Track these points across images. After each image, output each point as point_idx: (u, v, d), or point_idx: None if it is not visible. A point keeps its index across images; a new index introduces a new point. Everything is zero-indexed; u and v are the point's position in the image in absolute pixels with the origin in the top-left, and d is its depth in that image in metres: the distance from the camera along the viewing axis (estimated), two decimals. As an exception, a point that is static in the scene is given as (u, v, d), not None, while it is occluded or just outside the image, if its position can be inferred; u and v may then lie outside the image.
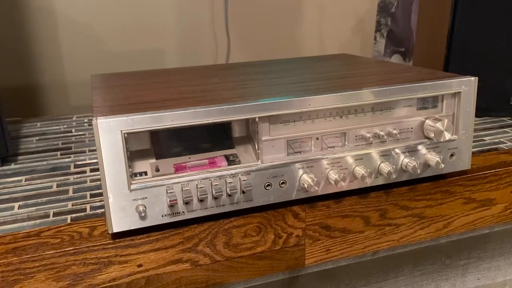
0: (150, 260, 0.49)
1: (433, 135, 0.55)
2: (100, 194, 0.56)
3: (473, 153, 0.60)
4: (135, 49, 1.01)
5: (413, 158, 0.55)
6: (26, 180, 0.61)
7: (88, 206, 0.54)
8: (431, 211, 0.60)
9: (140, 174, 0.47)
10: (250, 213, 0.51)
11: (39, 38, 0.94)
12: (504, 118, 0.83)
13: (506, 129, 0.78)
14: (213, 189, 0.48)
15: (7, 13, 0.91)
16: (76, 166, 0.65)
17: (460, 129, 0.57)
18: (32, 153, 0.70)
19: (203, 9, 1.05)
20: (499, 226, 0.72)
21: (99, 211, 0.52)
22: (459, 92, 0.56)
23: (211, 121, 0.47)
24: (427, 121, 0.56)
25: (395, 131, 0.54)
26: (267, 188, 0.50)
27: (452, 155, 0.58)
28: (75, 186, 0.59)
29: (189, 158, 0.49)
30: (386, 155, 0.54)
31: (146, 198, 0.46)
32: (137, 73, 0.72)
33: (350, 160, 0.53)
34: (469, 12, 0.79)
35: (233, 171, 0.49)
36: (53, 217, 0.51)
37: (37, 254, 0.45)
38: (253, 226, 0.52)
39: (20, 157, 0.69)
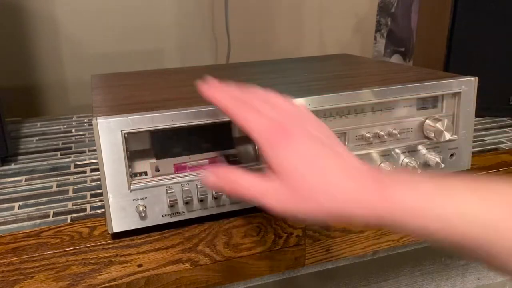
0: (150, 260, 0.49)
1: (433, 135, 0.55)
2: (100, 194, 0.56)
3: (473, 153, 0.60)
4: (135, 49, 1.01)
5: (413, 158, 0.55)
6: (26, 180, 0.61)
7: (88, 206, 0.54)
8: (431, 211, 0.60)
9: (140, 174, 0.47)
10: (250, 213, 0.51)
11: (39, 38, 0.94)
12: (504, 118, 0.83)
13: (506, 129, 0.78)
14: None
15: (7, 14, 0.91)
16: (76, 166, 0.65)
17: (460, 129, 0.57)
18: (32, 153, 0.70)
19: (203, 9, 1.05)
20: (499, 226, 0.72)
21: (99, 211, 0.52)
22: (459, 92, 0.56)
23: (211, 121, 0.47)
24: (427, 121, 0.55)
25: (395, 131, 0.54)
26: (267, 188, 0.50)
27: (452, 155, 0.58)
28: (75, 186, 0.59)
29: (189, 158, 0.49)
30: (386, 155, 0.54)
31: (146, 198, 0.46)
32: (137, 73, 0.72)
33: (350, 160, 0.53)
34: (469, 12, 0.79)
35: (233, 171, 0.48)
36: (53, 217, 0.51)
37: (37, 254, 0.45)
38: (253, 226, 0.52)
39: (20, 157, 0.69)
